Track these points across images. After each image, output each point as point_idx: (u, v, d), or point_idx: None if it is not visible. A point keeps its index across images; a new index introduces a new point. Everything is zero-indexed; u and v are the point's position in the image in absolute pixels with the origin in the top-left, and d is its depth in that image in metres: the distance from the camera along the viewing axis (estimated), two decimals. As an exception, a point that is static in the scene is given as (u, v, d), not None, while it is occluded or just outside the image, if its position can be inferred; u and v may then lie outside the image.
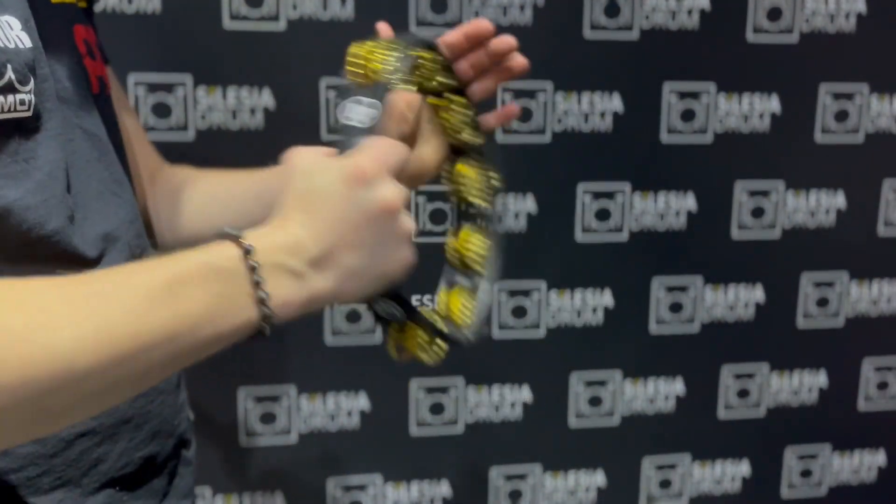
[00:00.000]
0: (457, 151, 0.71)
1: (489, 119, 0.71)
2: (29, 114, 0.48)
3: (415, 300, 0.69)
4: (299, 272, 0.47)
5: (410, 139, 0.64)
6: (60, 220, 0.51)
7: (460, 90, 0.68)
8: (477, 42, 0.65)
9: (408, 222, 0.51)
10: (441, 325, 0.60)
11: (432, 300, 0.67)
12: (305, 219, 0.48)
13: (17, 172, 0.48)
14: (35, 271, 0.44)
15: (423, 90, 0.68)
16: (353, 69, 0.57)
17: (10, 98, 0.47)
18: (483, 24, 0.64)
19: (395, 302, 0.56)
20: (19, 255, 0.49)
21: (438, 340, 0.60)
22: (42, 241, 0.50)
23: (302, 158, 0.51)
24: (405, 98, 0.59)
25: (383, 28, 0.68)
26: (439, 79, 0.67)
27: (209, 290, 0.44)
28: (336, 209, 0.48)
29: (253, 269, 0.45)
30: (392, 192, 0.50)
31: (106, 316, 0.41)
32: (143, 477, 0.60)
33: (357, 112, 0.53)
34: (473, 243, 0.70)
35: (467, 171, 0.71)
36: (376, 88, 0.55)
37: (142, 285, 0.42)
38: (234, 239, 0.46)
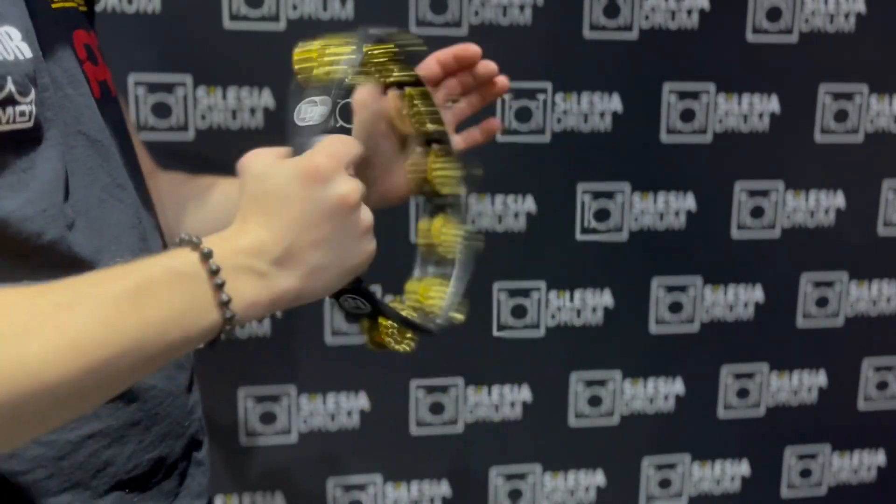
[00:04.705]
0: (425, 142, 0.72)
1: (474, 134, 0.75)
2: (30, 124, 0.48)
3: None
4: (263, 272, 0.48)
5: (373, 138, 0.66)
6: (59, 229, 0.50)
7: (418, 82, 0.69)
8: (465, 64, 0.71)
9: (367, 215, 0.52)
10: (408, 314, 0.61)
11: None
12: (265, 220, 0.49)
13: (15, 183, 0.48)
14: (34, 280, 0.44)
15: (384, 85, 0.69)
16: (302, 70, 0.57)
17: (10, 110, 0.46)
18: (471, 48, 0.70)
19: (361, 296, 0.56)
20: (17, 265, 0.49)
21: (407, 330, 0.60)
22: (40, 250, 0.49)
23: (254, 162, 0.52)
24: (360, 97, 0.62)
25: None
26: (397, 73, 0.68)
27: (175, 295, 0.45)
28: (294, 209, 0.49)
29: (213, 273, 0.46)
30: (348, 186, 0.50)
31: (75, 326, 0.40)
32: (153, 479, 0.60)
33: (311, 112, 0.54)
34: (446, 232, 0.71)
35: (437, 162, 0.72)
36: (329, 86, 0.55)
37: (109, 294, 0.43)
38: (192, 244, 0.47)
